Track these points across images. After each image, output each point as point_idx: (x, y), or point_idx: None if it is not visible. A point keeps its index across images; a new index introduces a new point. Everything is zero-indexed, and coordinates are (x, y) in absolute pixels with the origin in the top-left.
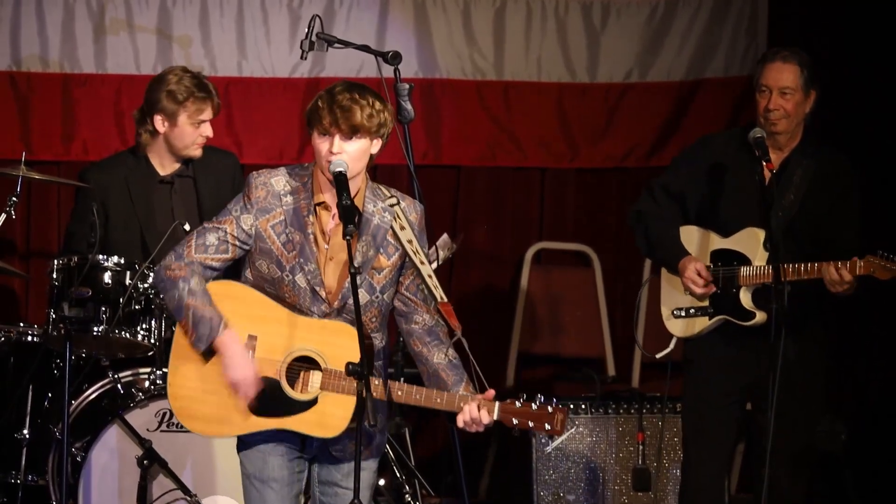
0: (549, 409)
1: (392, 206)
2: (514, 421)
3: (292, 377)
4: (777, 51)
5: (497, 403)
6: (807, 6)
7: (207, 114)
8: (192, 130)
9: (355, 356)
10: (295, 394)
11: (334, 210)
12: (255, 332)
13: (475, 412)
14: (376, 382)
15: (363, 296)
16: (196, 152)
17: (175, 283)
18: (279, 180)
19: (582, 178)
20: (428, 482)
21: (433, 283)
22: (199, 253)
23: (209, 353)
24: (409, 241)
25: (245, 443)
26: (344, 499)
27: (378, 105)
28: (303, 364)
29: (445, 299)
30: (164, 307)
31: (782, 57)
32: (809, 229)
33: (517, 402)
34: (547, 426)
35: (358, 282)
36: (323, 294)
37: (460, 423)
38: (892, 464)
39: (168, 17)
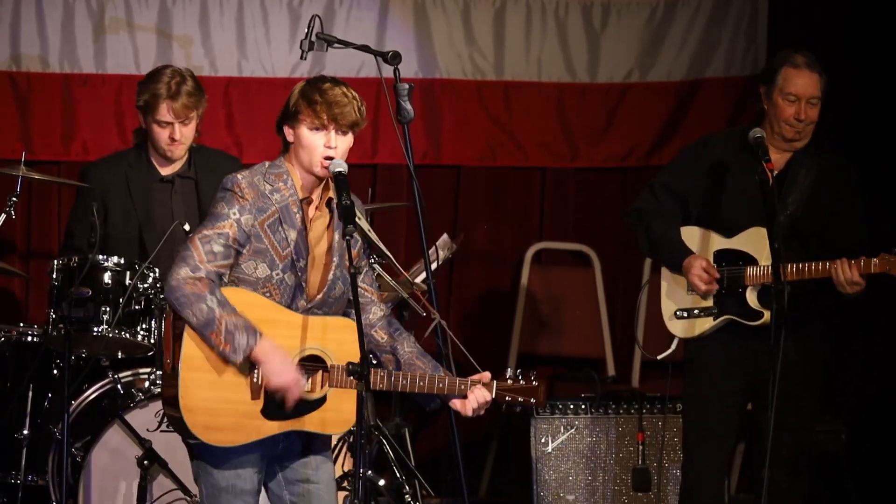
0: (533, 381)
1: None
2: (507, 398)
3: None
4: (795, 55)
5: (495, 382)
6: (807, 6)
7: (163, 114)
8: (158, 130)
9: (356, 351)
10: (305, 394)
11: (315, 202)
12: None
13: (482, 396)
14: (381, 374)
15: (341, 287)
16: (171, 154)
17: (202, 297)
18: (259, 180)
19: (582, 177)
20: (428, 482)
21: (402, 269)
22: (210, 262)
23: (223, 362)
24: (370, 231)
25: (213, 455)
26: (317, 494)
27: (359, 98)
28: (310, 363)
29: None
30: (186, 320)
31: (807, 65)
32: (814, 229)
33: (508, 380)
34: (532, 399)
35: (339, 274)
36: (306, 289)
37: (468, 411)
38: (892, 464)
39: (168, 16)
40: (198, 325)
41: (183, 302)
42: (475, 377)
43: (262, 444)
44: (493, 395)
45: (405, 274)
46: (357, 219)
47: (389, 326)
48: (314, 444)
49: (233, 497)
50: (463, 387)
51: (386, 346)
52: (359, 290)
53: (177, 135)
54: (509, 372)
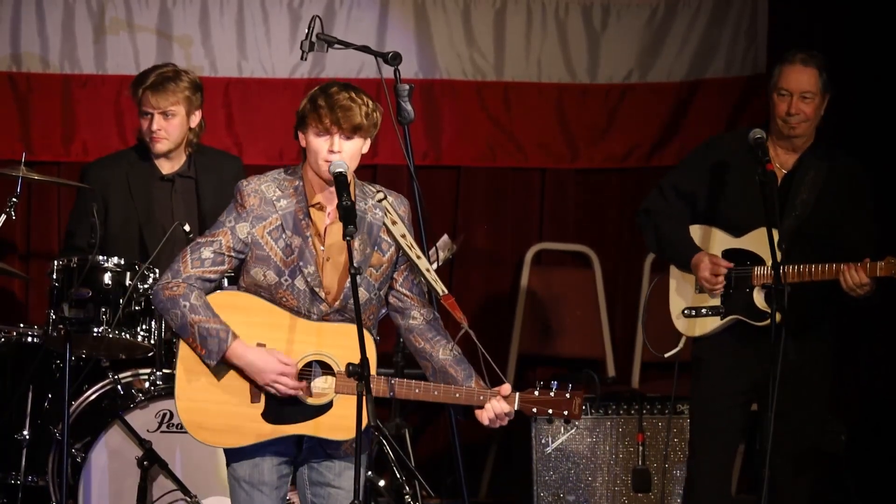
0: (567, 395)
1: (380, 201)
2: (534, 409)
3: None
4: (795, 53)
5: (517, 394)
6: (807, 7)
7: (144, 104)
8: (141, 121)
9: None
10: (309, 399)
11: (329, 209)
12: (263, 340)
13: (499, 408)
14: (392, 382)
15: (362, 294)
16: (154, 147)
17: (175, 302)
18: (269, 186)
19: (582, 178)
20: (428, 483)
21: (432, 276)
22: (195, 268)
23: (219, 364)
24: (403, 236)
25: (235, 449)
26: (337, 499)
27: (371, 104)
28: (314, 368)
29: (446, 292)
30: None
31: (802, 60)
32: (821, 230)
33: (535, 391)
34: (565, 412)
35: (359, 281)
36: (322, 295)
37: (485, 421)
38: (892, 464)
39: (168, 17)
40: (176, 330)
41: (161, 308)
42: (495, 389)
43: (275, 444)
44: (517, 407)
45: (430, 280)
46: (392, 223)
47: (429, 332)
48: (336, 449)
49: (250, 487)
50: (482, 398)
51: (422, 352)
52: (398, 294)
53: (154, 125)
54: (541, 383)
